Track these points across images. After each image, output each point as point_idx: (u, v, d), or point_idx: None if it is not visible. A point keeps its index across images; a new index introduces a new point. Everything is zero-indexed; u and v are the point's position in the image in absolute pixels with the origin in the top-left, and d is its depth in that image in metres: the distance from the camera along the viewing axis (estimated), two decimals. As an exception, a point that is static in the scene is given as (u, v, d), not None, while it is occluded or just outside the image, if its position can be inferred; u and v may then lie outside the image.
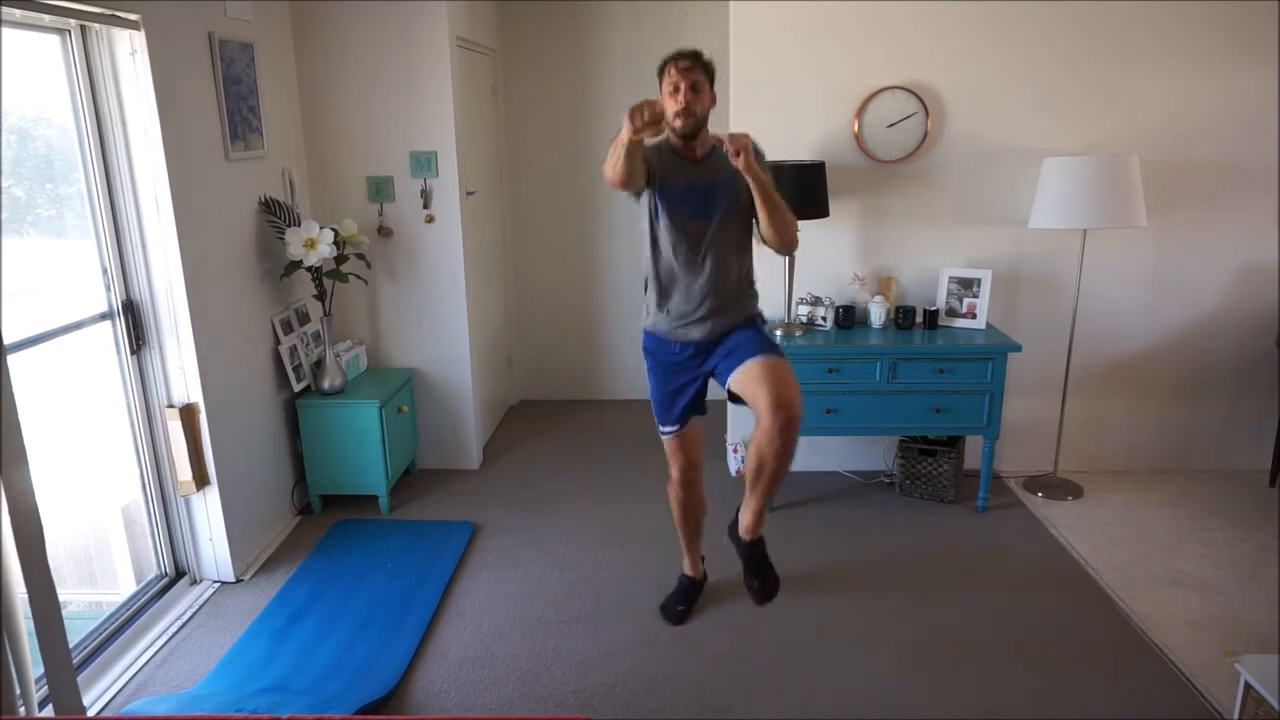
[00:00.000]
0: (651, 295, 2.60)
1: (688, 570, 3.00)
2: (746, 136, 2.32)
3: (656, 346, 2.66)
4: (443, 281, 3.92)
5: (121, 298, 2.88)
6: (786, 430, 2.35)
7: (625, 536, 3.44)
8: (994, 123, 3.64)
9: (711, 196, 2.48)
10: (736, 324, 2.57)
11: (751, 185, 2.37)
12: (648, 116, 2.16)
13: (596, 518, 3.64)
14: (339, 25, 3.66)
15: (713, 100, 2.45)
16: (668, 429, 2.71)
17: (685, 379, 2.64)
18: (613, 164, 2.36)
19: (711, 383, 2.66)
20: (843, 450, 4.06)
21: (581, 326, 5.08)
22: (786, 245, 2.51)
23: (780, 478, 2.46)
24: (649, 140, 2.37)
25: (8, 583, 1.98)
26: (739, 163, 2.30)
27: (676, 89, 2.38)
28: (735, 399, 2.59)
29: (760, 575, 2.61)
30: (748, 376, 2.43)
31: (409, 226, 3.87)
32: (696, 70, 2.39)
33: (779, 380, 2.38)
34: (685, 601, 2.93)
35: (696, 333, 2.56)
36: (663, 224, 2.50)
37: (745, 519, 2.57)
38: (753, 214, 2.49)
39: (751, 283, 2.65)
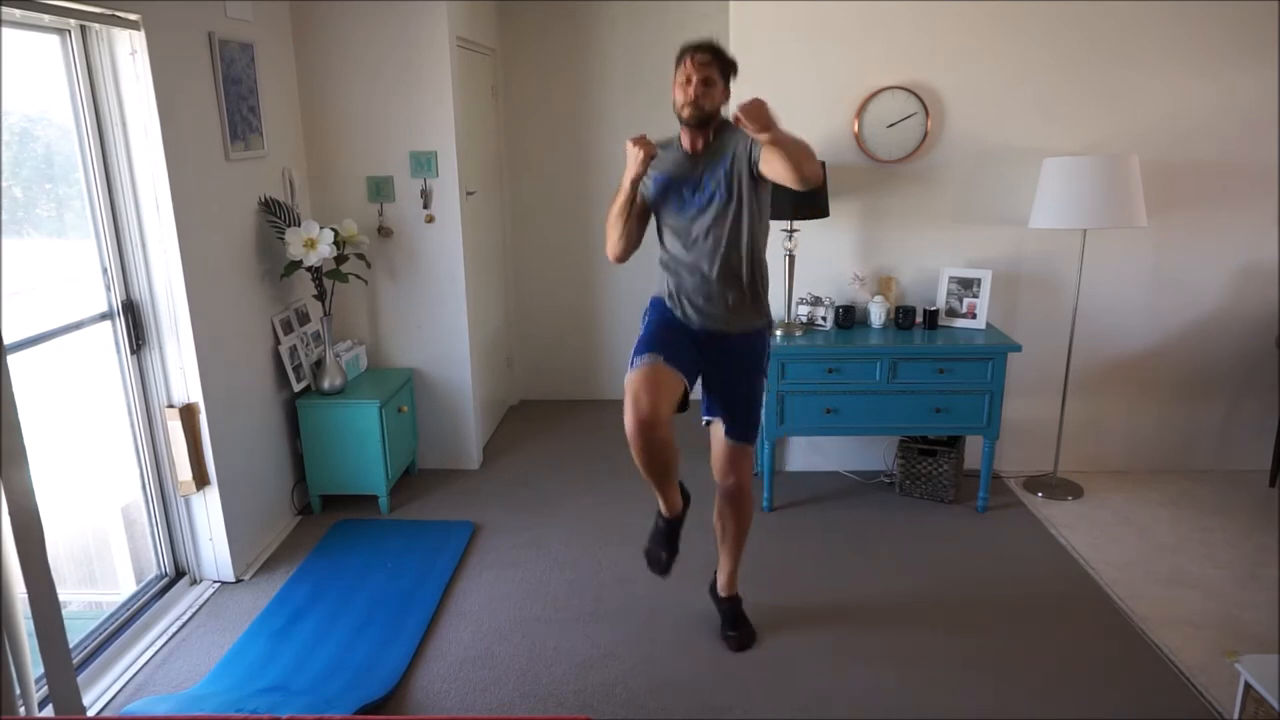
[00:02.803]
0: (665, 282, 2.60)
1: (664, 510, 2.63)
2: (755, 102, 2.10)
3: (666, 310, 2.59)
4: (443, 281, 3.92)
5: (121, 298, 2.88)
6: (737, 509, 2.71)
7: (625, 536, 3.43)
8: (994, 123, 3.64)
9: (703, 185, 2.45)
10: (743, 333, 2.55)
11: (770, 143, 2.19)
12: (643, 156, 2.35)
13: (596, 518, 3.64)
14: (339, 25, 3.65)
15: (726, 96, 2.45)
16: (642, 358, 2.38)
17: (688, 339, 2.53)
18: (614, 232, 2.50)
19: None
20: (843, 450, 4.06)
21: (581, 326, 5.08)
22: (808, 179, 2.28)
23: (743, 537, 2.77)
24: (654, 140, 2.43)
25: (8, 583, 1.98)
26: (761, 135, 2.16)
27: (689, 80, 2.37)
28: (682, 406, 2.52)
29: (738, 627, 2.79)
30: (717, 445, 2.66)
31: (409, 226, 3.87)
32: (712, 66, 2.38)
33: (739, 470, 2.66)
34: (668, 546, 2.66)
35: (708, 323, 2.53)
36: (666, 225, 2.54)
37: (721, 579, 2.84)
38: (756, 198, 2.44)
39: (764, 279, 2.56)
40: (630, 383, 2.35)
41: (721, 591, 2.84)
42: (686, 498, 2.66)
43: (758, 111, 2.10)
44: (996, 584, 3.09)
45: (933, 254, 3.78)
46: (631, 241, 2.56)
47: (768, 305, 2.63)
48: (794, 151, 2.21)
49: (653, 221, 2.60)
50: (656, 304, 2.63)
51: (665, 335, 2.49)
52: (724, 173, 2.42)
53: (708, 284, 2.48)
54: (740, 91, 2.47)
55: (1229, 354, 3.86)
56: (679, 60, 2.41)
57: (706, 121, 2.42)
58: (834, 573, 3.19)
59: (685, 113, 2.39)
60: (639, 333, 2.55)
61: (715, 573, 2.88)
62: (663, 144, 2.52)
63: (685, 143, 2.50)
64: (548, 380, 5.18)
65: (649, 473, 2.47)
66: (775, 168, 2.29)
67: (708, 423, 2.68)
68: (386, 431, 3.64)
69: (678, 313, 2.57)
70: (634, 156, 2.38)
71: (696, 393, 2.57)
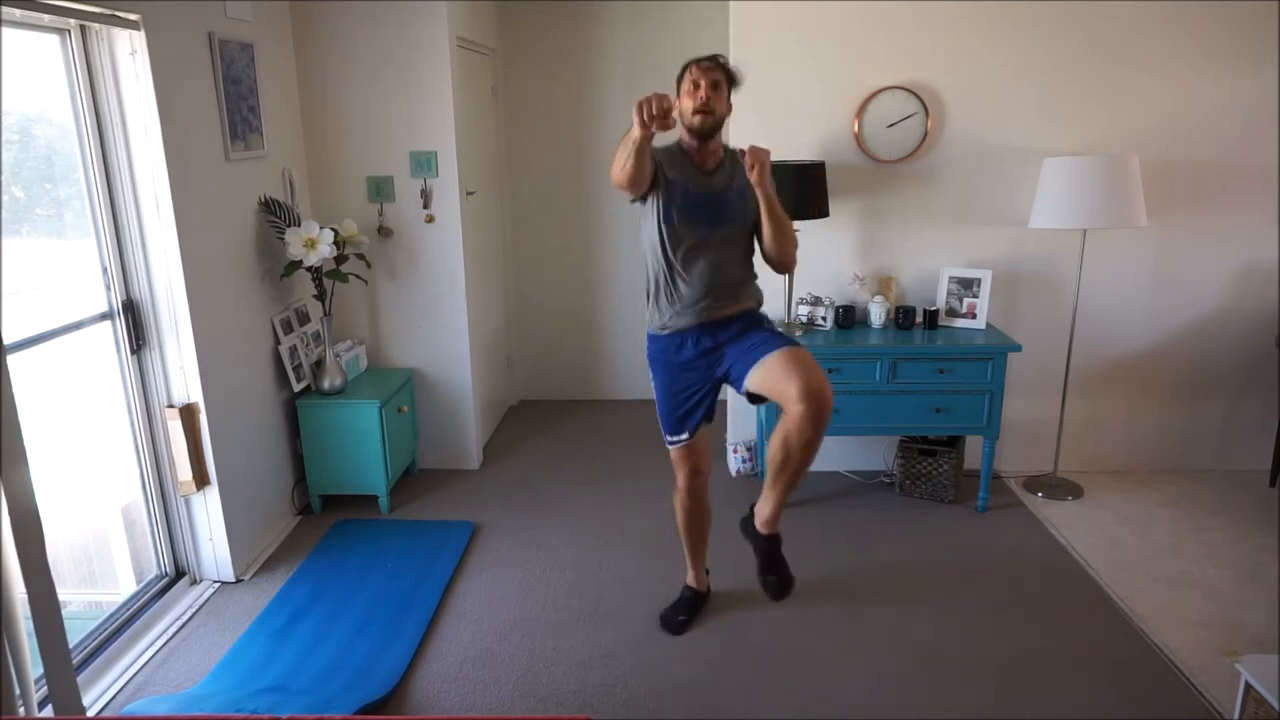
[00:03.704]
0: (655, 296, 2.56)
1: (691, 581, 2.94)
2: (767, 151, 2.37)
3: (662, 352, 2.58)
4: (443, 281, 3.92)
5: (121, 298, 2.88)
6: (818, 418, 2.26)
7: (625, 536, 3.43)
8: (994, 123, 3.64)
9: (720, 207, 2.47)
10: (742, 313, 2.54)
11: (761, 200, 2.42)
12: (655, 110, 2.09)
13: (596, 518, 3.64)
14: (339, 25, 3.65)
15: (729, 108, 2.46)
16: (677, 440, 2.64)
17: (695, 380, 2.55)
18: (621, 162, 2.30)
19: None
20: (843, 450, 4.05)
21: (581, 326, 5.08)
22: (785, 264, 2.59)
23: (805, 470, 2.39)
24: (659, 142, 2.36)
25: (8, 583, 1.98)
26: (753, 176, 2.33)
27: (696, 86, 2.38)
28: (756, 399, 2.50)
29: (777, 570, 2.56)
30: (771, 369, 2.35)
31: (409, 226, 3.87)
32: (717, 71, 2.40)
33: (808, 368, 2.29)
34: (687, 612, 2.87)
35: (702, 315, 2.50)
36: (669, 229, 2.46)
37: (764, 511, 2.50)
38: (756, 230, 2.53)
39: (754, 277, 2.62)
40: (674, 455, 2.70)
41: (763, 528, 2.53)
42: (708, 589, 2.97)
43: (764, 158, 2.35)
44: (996, 584, 3.09)
45: (933, 254, 3.78)
46: (641, 170, 2.33)
47: (759, 288, 2.65)
48: (781, 224, 2.47)
49: (649, 232, 2.51)
50: (655, 356, 2.62)
51: (678, 402, 2.61)
52: (743, 196, 2.48)
53: (706, 282, 2.49)
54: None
55: (1229, 354, 3.86)
56: (683, 72, 2.43)
57: (715, 130, 2.43)
58: (834, 573, 3.19)
59: (696, 120, 2.38)
60: (651, 389, 2.69)
61: (752, 506, 2.57)
62: (664, 150, 2.48)
63: (696, 159, 2.48)
64: (548, 380, 5.18)
65: (688, 536, 2.83)
66: (765, 239, 2.51)
67: (751, 397, 2.50)
68: (386, 431, 3.64)
69: (678, 337, 2.53)
70: (638, 126, 2.20)
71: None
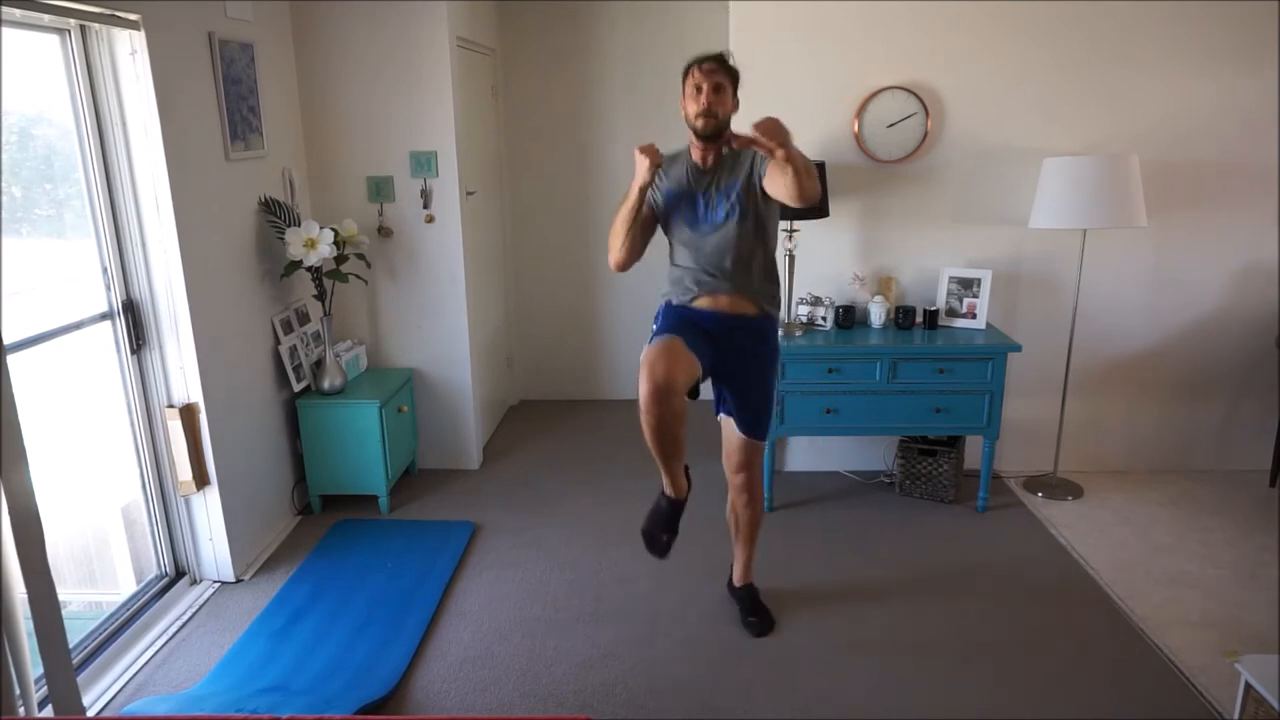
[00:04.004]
0: (673, 282, 2.63)
1: (668, 490, 2.56)
2: (773, 120, 2.15)
3: (677, 308, 2.60)
4: (443, 281, 3.92)
5: (121, 298, 2.88)
6: (750, 501, 2.78)
7: (625, 536, 3.43)
8: (994, 123, 3.64)
9: (716, 202, 2.50)
10: (746, 318, 2.55)
11: (783, 161, 2.20)
12: (651, 159, 2.34)
13: (596, 518, 3.63)
14: (339, 25, 3.65)
15: (735, 105, 2.46)
16: (659, 336, 2.43)
17: (705, 330, 2.51)
18: (620, 238, 2.52)
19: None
20: (843, 450, 4.06)
21: (581, 326, 5.08)
22: (804, 198, 2.28)
23: (756, 530, 2.86)
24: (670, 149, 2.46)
25: (8, 583, 1.98)
26: (771, 146, 2.16)
27: (699, 89, 2.38)
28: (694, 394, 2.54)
29: (757, 613, 2.86)
30: (731, 438, 2.72)
31: (409, 226, 3.86)
32: (720, 73, 2.40)
33: (750, 462, 2.73)
34: (669, 527, 2.60)
35: (718, 301, 2.54)
36: (677, 239, 2.57)
37: (737, 570, 2.93)
38: (768, 213, 2.52)
39: (774, 275, 2.62)
40: (646, 355, 2.33)
41: (737, 582, 2.94)
42: (689, 482, 2.60)
43: (774, 128, 2.13)
44: (996, 584, 3.09)
45: (933, 254, 3.78)
46: (635, 250, 2.58)
47: (779, 295, 2.66)
48: (801, 169, 2.22)
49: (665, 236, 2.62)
50: (667, 308, 2.65)
51: (681, 326, 2.51)
52: (739, 191, 2.46)
53: (721, 275, 2.52)
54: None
55: (1229, 354, 3.86)
56: (686, 73, 2.43)
57: (720, 132, 2.41)
58: (834, 573, 3.19)
59: (700, 123, 2.40)
60: (650, 333, 2.58)
61: (731, 567, 2.98)
62: (671, 156, 2.54)
63: (696, 156, 2.51)
64: (548, 380, 5.18)
65: (658, 445, 2.40)
66: (779, 184, 2.32)
67: (720, 417, 2.73)
68: (386, 431, 3.64)
69: (690, 303, 2.58)
70: (642, 165, 2.39)
71: (706, 391, 2.63)
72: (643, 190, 2.44)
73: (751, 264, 2.54)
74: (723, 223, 2.49)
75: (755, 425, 2.66)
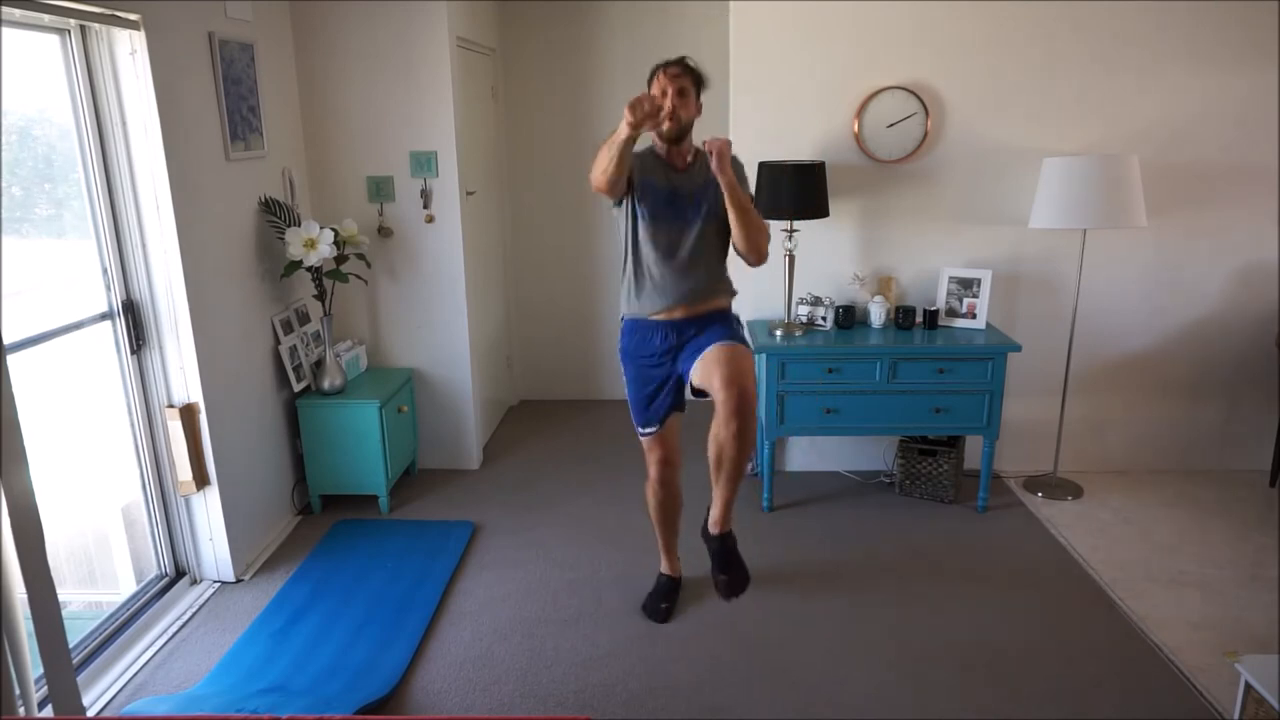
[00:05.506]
0: (628, 291, 2.64)
1: (665, 569, 3.02)
2: (725, 140, 2.38)
3: (633, 344, 2.68)
4: (443, 281, 3.92)
5: (121, 298, 2.88)
6: (740, 410, 2.33)
7: (625, 536, 3.43)
8: (994, 123, 3.64)
9: (693, 202, 2.55)
10: (710, 310, 2.61)
11: (723, 187, 2.41)
12: (648, 108, 2.23)
13: (596, 518, 3.63)
14: (339, 25, 3.65)
15: (698, 110, 2.52)
16: (648, 430, 2.74)
17: (660, 376, 2.66)
18: (603, 166, 2.39)
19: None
20: (843, 450, 4.06)
21: (581, 326, 5.08)
22: (756, 254, 2.54)
23: (742, 465, 2.44)
24: (635, 147, 2.43)
25: (8, 583, 1.98)
26: (713, 164, 2.35)
27: (664, 94, 2.44)
28: (698, 393, 2.61)
29: (728, 570, 2.57)
30: (706, 360, 2.45)
31: (409, 226, 3.87)
32: (684, 78, 2.46)
33: (732, 360, 2.39)
34: (667, 599, 2.93)
35: (675, 312, 2.58)
36: (643, 227, 2.56)
37: (713, 513, 2.55)
38: (723, 213, 2.53)
39: (725, 277, 2.70)
40: (645, 445, 2.77)
41: (713, 528, 2.56)
42: (681, 575, 3.03)
43: (721, 147, 2.34)
44: (996, 584, 3.09)
45: (933, 254, 3.78)
46: (621, 172, 2.38)
47: (731, 288, 2.71)
48: (746, 211, 2.45)
49: (623, 231, 2.61)
50: (626, 349, 2.70)
51: (647, 394, 2.68)
52: (713, 194, 2.52)
53: (679, 279, 2.56)
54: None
55: (1229, 354, 3.86)
56: (651, 77, 2.49)
57: (683, 135, 2.51)
58: (834, 573, 3.19)
59: (664, 126, 2.45)
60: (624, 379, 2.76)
61: (708, 510, 2.59)
62: (639, 153, 2.53)
63: (669, 159, 2.56)
64: (548, 380, 5.18)
65: (661, 523, 2.89)
66: (733, 228, 2.50)
67: (695, 391, 2.61)
68: (386, 431, 3.64)
69: (649, 329, 2.62)
70: (626, 123, 2.27)
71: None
72: (634, 131, 2.26)
73: (720, 263, 2.65)
74: (701, 221, 2.55)
75: (730, 338, 2.50)
